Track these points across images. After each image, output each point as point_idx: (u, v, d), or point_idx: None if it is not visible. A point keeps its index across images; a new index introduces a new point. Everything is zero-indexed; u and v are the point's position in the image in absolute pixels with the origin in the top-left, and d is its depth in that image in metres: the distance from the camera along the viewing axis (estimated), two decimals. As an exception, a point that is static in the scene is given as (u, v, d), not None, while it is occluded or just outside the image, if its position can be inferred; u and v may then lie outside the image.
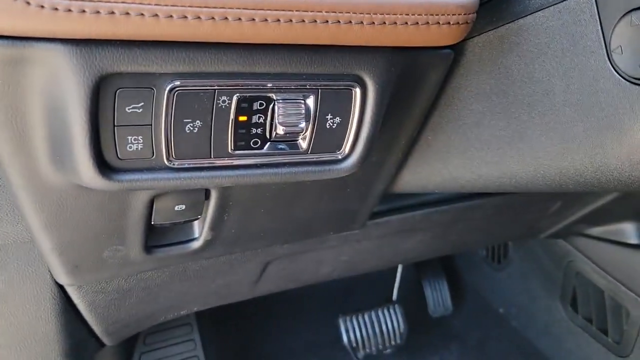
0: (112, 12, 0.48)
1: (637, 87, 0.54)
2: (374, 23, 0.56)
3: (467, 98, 0.74)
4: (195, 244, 0.85)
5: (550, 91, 0.62)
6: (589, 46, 0.57)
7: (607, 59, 0.56)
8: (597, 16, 0.56)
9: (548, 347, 1.67)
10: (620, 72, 0.55)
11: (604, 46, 0.56)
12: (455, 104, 0.76)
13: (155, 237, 0.83)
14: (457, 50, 0.70)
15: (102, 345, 1.06)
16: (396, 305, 1.74)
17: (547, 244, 1.57)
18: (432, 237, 1.21)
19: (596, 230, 1.40)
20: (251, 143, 0.64)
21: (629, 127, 0.55)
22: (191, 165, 0.62)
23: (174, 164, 0.61)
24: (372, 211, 0.98)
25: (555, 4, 0.60)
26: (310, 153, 0.67)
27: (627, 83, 0.55)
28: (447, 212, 1.09)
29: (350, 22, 0.55)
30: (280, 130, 0.63)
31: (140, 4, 0.49)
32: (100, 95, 0.55)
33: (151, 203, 0.74)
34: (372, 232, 1.07)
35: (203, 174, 0.63)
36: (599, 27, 0.56)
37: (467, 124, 0.76)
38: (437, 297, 1.88)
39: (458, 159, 0.80)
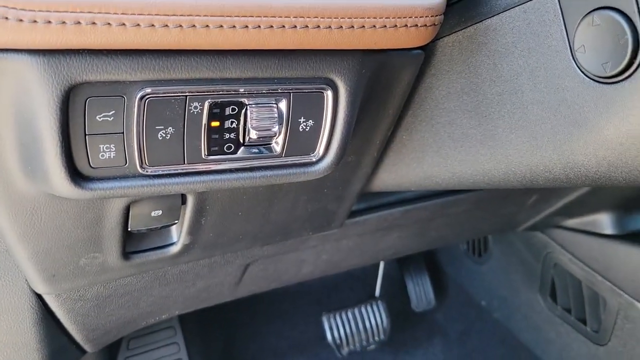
0: (79, 22, 0.48)
1: (600, 85, 0.55)
2: (342, 27, 0.56)
3: (439, 97, 0.75)
4: (174, 249, 0.85)
5: (518, 90, 0.64)
6: (553, 45, 0.59)
7: (571, 57, 0.57)
8: (560, 16, 0.57)
9: (529, 338, 1.70)
10: (584, 70, 0.56)
11: (568, 45, 0.57)
12: (427, 103, 0.77)
13: (133, 243, 0.83)
14: (427, 50, 0.71)
15: (84, 352, 1.06)
16: (379, 301, 1.75)
17: (525, 237, 1.59)
18: (411, 233, 1.22)
19: (572, 222, 1.42)
20: (225, 148, 0.64)
21: (594, 124, 0.57)
22: (165, 172, 0.62)
23: (147, 171, 0.61)
24: (350, 210, 0.99)
25: (521, 4, 0.61)
26: (284, 156, 0.67)
27: (591, 81, 0.56)
28: (424, 209, 1.11)
29: (319, 26, 0.55)
30: (254, 134, 0.63)
31: (107, 13, 0.48)
32: (70, 105, 0.54)
33: (127, 209, 0.74)
34: (351, 230, 1.08)
35: (177, 180, 0.63)
36: (563, 27, 0.57)
37: (440, 123, 0.77)
38: (420, 292, 1.89)
39: (432, 157, 0.81)
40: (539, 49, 0.60)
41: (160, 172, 0.62)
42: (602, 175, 0.60)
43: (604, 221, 1.36)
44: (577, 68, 0.57)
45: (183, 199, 0.78)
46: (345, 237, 1.12)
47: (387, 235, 1.19)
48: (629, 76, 0.53)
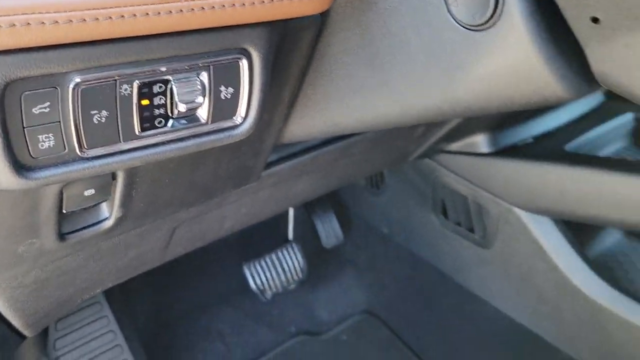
0: (13, 25, 0.51)
1: (472, 32, 0.67)
2: (254, 3, 0.63)
3: (336, 53, 0.84)
4: (107, 224, 0.89)
5: (406, 42, 0.74)
6: (432, 2, 0.69)
7: (447, 11, 0.68)
8: (434, -23, 0.68)
9: (428, 254, 1.91)
10: (458, 21, 0.68)
11: (443, 1, 0.68)
12: (327, 59, 0.86)
13: (67, 223, 0.86)
14: (324, 12, 0.79)
15: (23, 338, 1.08)
16: (293, 244, 1.88)
17: (416, 165, 1.76)
18: (320, 176, 1.33)
19: (454, 146, 1.60)
20: (156, 123, 0.69)
21: (470, 66, 0.69)
22: (103, 153, 0.67)
23: (86, 154, 0.65)
24: (265, 163, 1.07)
25: (400, -33, 0.71)
26: (211, 123, 0.73)
27: (464, 29, 0.68)
28: (329, 153, 1.21)
29: (234, 5, 0.62)
30: (181, 107, 0.69)
31: (40, 13, 0.52)
32: (5, 102, 0.57)
33: (61, 192, 0.77)
34: (267, 182, 1.17)
35: (115, 158, 0.68)
36: (437, -14, 0.68)
37: (339, 76, 0.87)
38: (328, 230, 2.04)
39: (336, 107, 0.90)
40: (421, 5, 0.71)
41: (99, 154, 0.66)
42: (481, 107, 0.73)
43: (480, 142, 1.55)
44: (452, 20, 0.68)
45: (113, 174, 0.82)
46: (262, 189, 1.20)
47: (298, 182, 1.29)
48: (494, 24, 0.65)
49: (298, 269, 1.85)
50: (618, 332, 1.42)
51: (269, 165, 1.12)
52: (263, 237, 1.99)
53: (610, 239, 1.61)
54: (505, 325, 1.73)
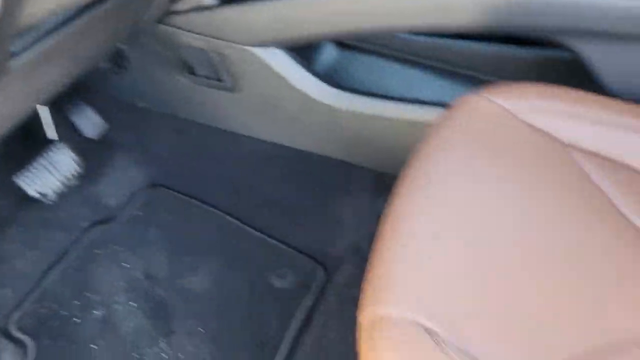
0: None
1: None
2: None
3: None
4: None
5: None
6: None
7: None
8: None
9: (188, 113, 2.07)
10: None
11: None
12: None
13: None
14: None
15: None
16: (58, 143, 1.87)
17: (153, 34, 1.84)
18: (67, 59, 1.36)
19: (182, 6, 1.72)
20: None
21: None
22: None
23: None
24: (9, 53, 1.08)
25: None
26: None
27: None
28: (72, 33, 1.25)
29: None
30: None
31: None
32: None
33: None
34: (16, 75, 1.18)
35: None
36: None
37: None
38: (86, 120, 2.04)
39: None
40: None
41: None
42: None
43: (205, -7, 1.69)
44: None
45: None
46: (13, 83, 1.20)
47: (47, 69, 1.30)
48: None
49: (72, 163, 1.88)
50: (350, 122, 1.81)
51: (15, 54, 1.13)
52: (22, 150, 1.93)
53: (328, 53, 1.96)
54: (269, 150, 2.03)
